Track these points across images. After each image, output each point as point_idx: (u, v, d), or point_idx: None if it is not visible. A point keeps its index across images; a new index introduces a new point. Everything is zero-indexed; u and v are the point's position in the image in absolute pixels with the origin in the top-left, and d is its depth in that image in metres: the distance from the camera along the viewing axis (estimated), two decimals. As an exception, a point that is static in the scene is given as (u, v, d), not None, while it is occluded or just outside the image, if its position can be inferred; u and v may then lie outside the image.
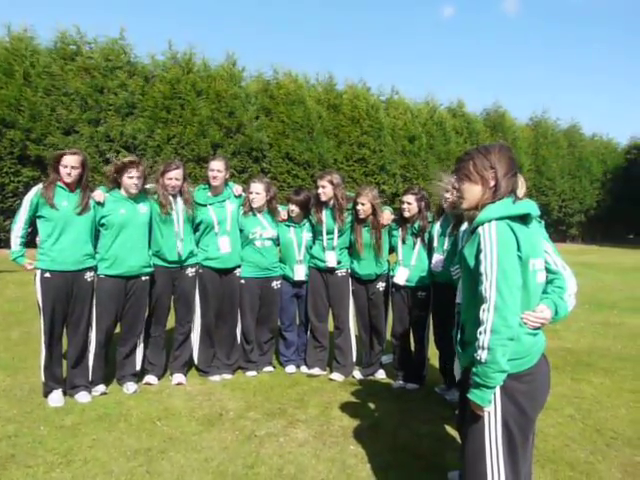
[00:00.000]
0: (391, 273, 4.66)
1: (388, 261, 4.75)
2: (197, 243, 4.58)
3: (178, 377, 4.48)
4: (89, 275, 4.01)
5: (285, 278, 4.86)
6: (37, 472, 2.98)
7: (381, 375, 4.82)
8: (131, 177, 4.09)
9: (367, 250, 4.60)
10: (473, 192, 2.15)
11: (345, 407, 4.07)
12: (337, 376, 4.71)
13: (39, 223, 3.90)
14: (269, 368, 4.87)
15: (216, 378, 4.60)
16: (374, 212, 4.55)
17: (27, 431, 3.47)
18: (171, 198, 4.33)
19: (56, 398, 3.94)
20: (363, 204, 4.51)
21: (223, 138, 15.09)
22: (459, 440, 3.02)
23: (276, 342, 5.01)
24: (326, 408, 4.05)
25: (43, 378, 3.97)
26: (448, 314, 3.87)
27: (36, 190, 3.92)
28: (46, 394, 3.98)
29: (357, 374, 4.80)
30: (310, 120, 16.28)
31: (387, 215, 4.62)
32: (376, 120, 17.55)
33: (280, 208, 4.87)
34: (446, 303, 3.98)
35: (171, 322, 4.62)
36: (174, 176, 4.30)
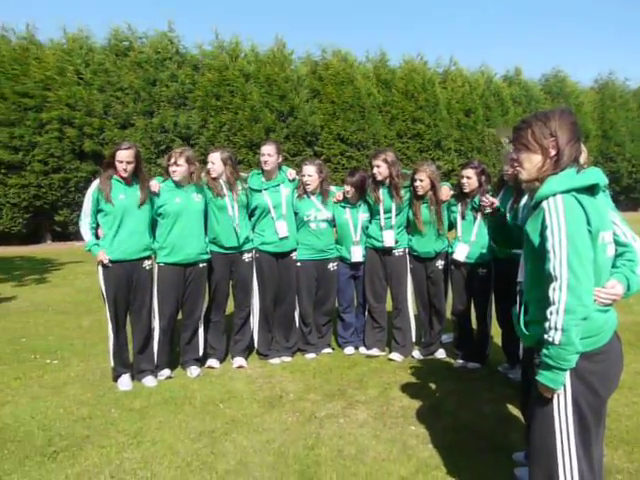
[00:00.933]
0: (450, 250, 4.55)
1: (447, 238, 4.63)
2: (253, 228, 4.61)
3: (239, 360, 4.57)
4: (147, 263, 4.14)
5: (342, 259, 4.84)
6: (110, 452, 3.12)
7: (441, 355, 4.73)
8: (172, 166, 4.18)
9: (426, 227, 4.50)
10: (532, 162, 2.03)
11: (405, 387, 4.03)
12: (396, 356, 4.66)
13: (99, 216, 4.05)
14: (328, 350, 4.89)
15: (276, 361, 4.66)
16: (433, 188, 4.44)
17: (100, 413, 3.64)
18: (223, 184, 4.37)
19: (125, 382, 4.11)
20: (421, 180, 4.41)
21: (275, 122, 15.16)
22: (523, 420, 2.93)
23: (334, 324, 5.01)
24: (385, 389, 4.02)
25: (112, 363, 4.16)
26: (511, 291, 3.73)
27: (96, 184, 4.05)
28: (115, 378, 4.17)
29: (417, 354, 4.74)
30: (360, 99, 16.06)
31: (446, 190, 4.49)
32: (432, 94, 17.09)
33: (335, 189, 4.83)
34: (508, 279, 3.83)
35: (231, 307, 4.71)
36: (210, 160, 4.38)
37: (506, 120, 18.13)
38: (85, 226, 4.06)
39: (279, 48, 16.08)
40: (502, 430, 3.30)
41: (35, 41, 15.05)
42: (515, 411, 3.52)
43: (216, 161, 4.37)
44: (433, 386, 4.07)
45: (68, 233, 15.43)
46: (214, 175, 4.36)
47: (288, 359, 4.71)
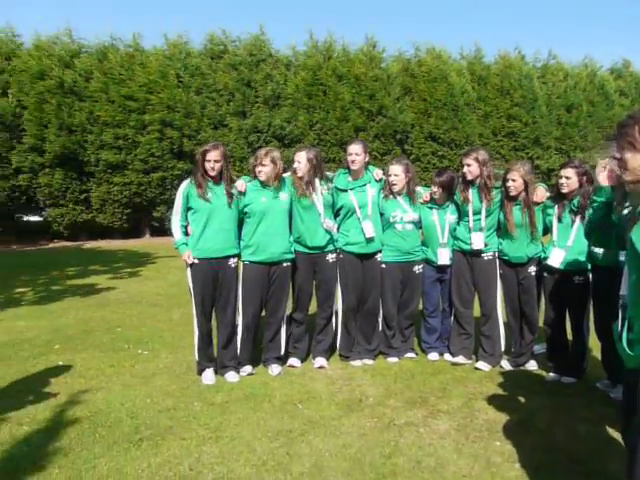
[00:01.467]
0: (544, 255, 4.25)
1: (542, 242, 4.33)
2: (337, 228, 4.57)
3: (320, 361, 4.55)
4: (233, 261, 4.21)
5: (427, 262, 4.68)
6: (190, 444, 3.19)
7: (532, 366, 4.43)
8: (257, 167, 4.22)
9: (518, 230, 4.23)
10: (638, 162, 1.81)
11: (491, 399, 3.80)
12: (483, 365, 4.43)
13: (189, 214, 4.17)
14: (411, 354, 4.74)
15: (357, 363, 4.58)
16: (526, 189, 4.17)
17: (183, 405, 3.75)
18: (308, 183, 4.36)
19: (208, 376, 4.21)
20: (514, 180, 4.15)
21: (365, 121, 15.09)
22: (624, 446, 2.64)
23: (418, 328, 4.86)
24: (470, 399, 3.82)
25: (197, 357, 4.28)
26: (611, 303, 3.40)
27: (186, 183, 4.19)
28: (199, 372, 4.28)
29: (505, 364, 4.47)
30: (454, 96, 15.59)
31: (541, 191, 4.20)
32: (530, 90, 16.23)
33: (422, 190, 4.68)
34: (609, 290, 3.50)
35: (314, 307, 4.69)
36: (296, 159, 4.35)
37: (612, 115, 16.83)
38: (175, 224, 4.21)
39: (369, 47, 15.99)
40: (599, 455, 3.02)
41: (140, 48, 16.02)
42: (616, 434, 3.21)
43: (302, 160, 4.36)
44: (522, 400, 3.81)
45: (165, 228, 16.28)
46: (300, 174, 4.36)
47: (370, 362, 4.62)
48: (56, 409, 3.69)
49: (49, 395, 3.93)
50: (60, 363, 4.66)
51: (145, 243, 14.95)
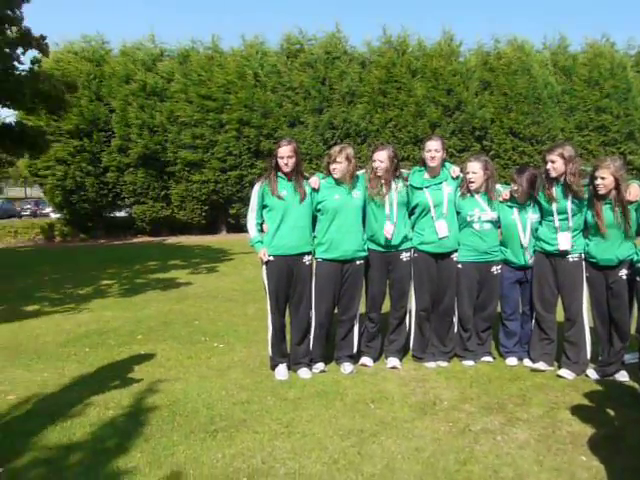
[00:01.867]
0: (636, 258, 3.95)
1: (635, 244, 4.04)
2: (412, 227, 4.48)
3: (393, 361, 4.48)
4: (307, 259, 4.23)
5: (506, 263, 4.49)
6: (263, 438, 3.23)
7: (623, 377, 4.14)
8: (332, 164, 4.19)
9: (609, 231, 3.96)
10: None
11: (576, 410, 3.58)
12: (567, 373, 4.19)
13: (264, 212, 4.23)
14: (488, 358, 4.57)
15: (431, 365, 4.48)
16: (617, 187, 3.89)
17: (257, 399, 3.81)
18: (383, 181, 4.30)
19: (281, 372, 4.26)
20: (603, 178, 3.89)
21: (441, 117, 14.76)
22: None
23: (496, 331, 4.67)
24: (552, 409, 3.62)
25: (270, 352, 4.33)
26: None
27: (261, 181, 4.25)
28: (273, 367, 4.34)
29: (592, 373, 4.20)
30: (536, 89, 14.89)
31: (635, 190, 3.90)
32: (622, 79, 15.21)
33: (501, 187, 4.50)
34: None
35: (386, 306, 4.63)
36: (377, 158, 4.26)
37: None
38: (251, 221, 4.27)
39: (446, 41, 15.62)
40: (702, 477, 2.76)
41: (219, 50, 16.53)
42: None
43: (384, 159, 4.30)
44: (611, 413, 3.56)
45: (241, 225, 16.72)
46: (380, 173, 4.30)
47: (444, 364, 4.49)
48: (138, 396, 3.86)
49: (132, 382, 4.12)
50: (142, 352, 4.88)
51: (221, 239, 15.41)
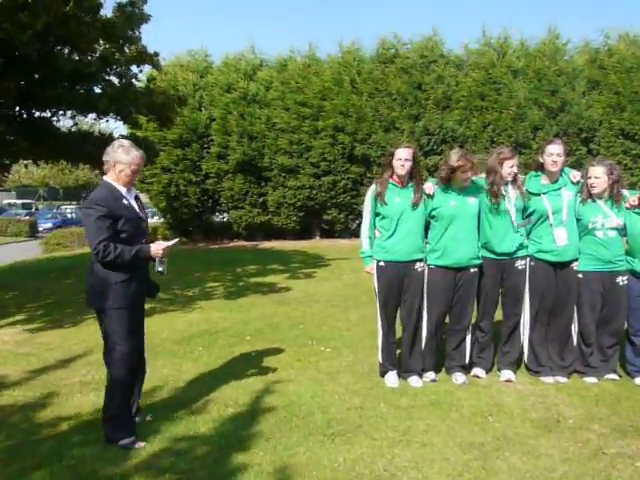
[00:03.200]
0: None
1: None
2: (528, 234, 4.30)
3: (507, 374, 4.31)
4: (419, 265, 4.16)
5: (633, 274, 4.18)
6: (382, 445, 3.22)
7: None
8: (464, 173, 4.05)
9: None
10: None
11: None
12: None
13: (377, 219, 4.22)
14: (613, 376, 4.26)
15: (548, 380, 4.25)
16: None
17: (370, 405, 3.80)
18: (503, 187, 4.16)
19: (392, 379, 4.22)
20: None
21: (544, 119, 14.08)
22: None
23: (622, 348, 4.35)
24: (696, 435, 3.31)
25: (380, 359, 4.31)
26: None
27: (374, 187, 4.25)
28: (382, 374, 4.31)
29: None
30: (655, 87, 13.78)
31: None
32: None
33: (629, 193, 4.21)
34: None
35: (499, 315, 4.47)
36: (515, 164, 4.13)
37: None
38: (364, 232, 4.27)
39: (551, 39, 14.88)
40: None
41: (315, 57, 16.82)
42: None
43: (516, 163, 4.17)
44: None
45: (334, 231, 16.88)
46: (510, 178, 4.17)
47: (563, 380, 4.25)
48: (253, 395, 3.99)
49: (246, 382, 4.26)
50: (252, 354, 5.04)
51: (315, 244, 15.61)
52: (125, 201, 3.35)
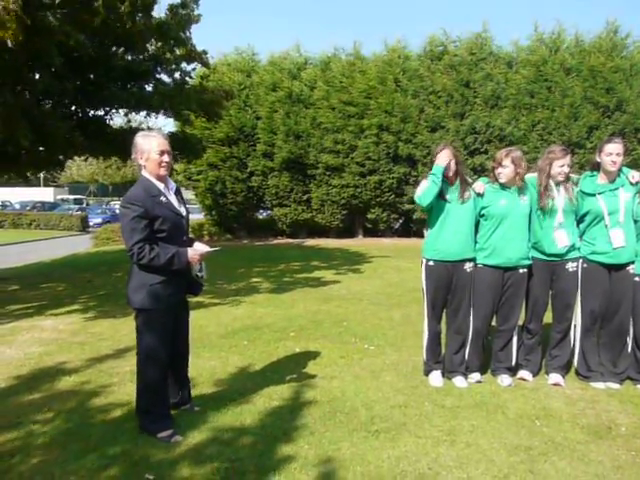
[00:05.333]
0: None
1: None
2: (581, 235, 4.19)
3: (555, 377, 4.21)
4: (469, 266, 4.12)
5: (694, 278, 4.02)
6: (426, 444, 3.21)
7: None
8: (497, 168, 4.04)
9: None
10: None
11: None
12: None
13: (430, 216, 4.20)
14: (669, 385, 4.11)
15: (599, 385, 4.13)
16: None
17: (414, 404, 3.79)
18: (553, 187, 4.06)
19: (436, 378, 4.19)
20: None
21: (599, 119, 13.62)
22: None
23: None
24: None
25: (425, 357, 4.29)
26: None
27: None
28: (427, 373, 4.29)
29: None
30: None
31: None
32: None
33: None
34: None
35: (548, 318, 4.38)
36: (567, 163, 4.03)
37: None
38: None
39: (608, 34, 14.36)
40: None
41: (360, 56, 16.81)
42: None
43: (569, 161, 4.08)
44: None
45: (377, 230, 16.84)
46: (561, 178, 4.08)
47: (615, 386, 4.12)
48: (298, 389, 4.04)
49: (291, 376, 4.31)
50: (297, 349, 5.09)
51: (358, 243, 15.61)
52: (163, 198, 3.24)
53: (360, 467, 2.94)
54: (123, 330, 5.79)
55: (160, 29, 8.62)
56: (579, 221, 4.22)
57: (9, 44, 5.30)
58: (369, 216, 16.42)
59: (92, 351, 5.16)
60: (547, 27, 15.17)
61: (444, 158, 4.02)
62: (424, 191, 4.03)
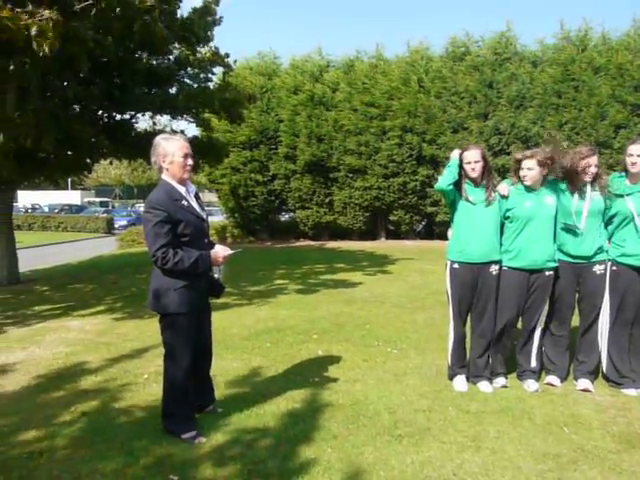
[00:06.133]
0: None
1: None
2: (610, 237, 4.09)
3: (584, 383, 4.11)
4: (494, 268, 4.05)
5: None
6: (450, 449, 3.16)
7: None
8: (522, 170, 3.98)
9: None
10: None
11: None
12: None
13: (454, 217, 4.16)
14: None
15: (631, 392, 4.02)
16: None
17: (438, 409, 3.74)
18: (588, 187, 3.98)
19: (461, 383, 4.13)
20: None
21: (627, 118, 13.33)
22: None
23: None
24: None
25: (450, 361, 4.23)
26: None
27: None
28: (451, 377, 4.23)
29: None
30: None
31: None
32: None
33: None
34: None
35: (575, 322, 4.29)
36: (594, 163, 3.95)
37: None
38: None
39: (636, 32, 14.07)
40: None
41: (382, 57, 16.76)
42: None
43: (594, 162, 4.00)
44: None
45: (399, 232, 16.73)
46: (588, 179, 4.00)
47: (647, 393, 4.02)
48: (321, 392, 4.02)
49: (314, 379, 4.30)
50: (319, 352, 5.07)
51: (381, 245, 15.53)
52: (185, 202, 3.24)
53: (383, 472, 2.91)
54: (148, 331, 5.85)
55: (183, 27, 8.73)
56: (607, 223, 4.13)
57: (46, 52, 5.39)
58: (391, 218, 16.33)
59: (118, 351, 5.22)
60: (573, 25, 14.83)
61: (455, 153, 4.06)
62: (442, 178, 4.04)
